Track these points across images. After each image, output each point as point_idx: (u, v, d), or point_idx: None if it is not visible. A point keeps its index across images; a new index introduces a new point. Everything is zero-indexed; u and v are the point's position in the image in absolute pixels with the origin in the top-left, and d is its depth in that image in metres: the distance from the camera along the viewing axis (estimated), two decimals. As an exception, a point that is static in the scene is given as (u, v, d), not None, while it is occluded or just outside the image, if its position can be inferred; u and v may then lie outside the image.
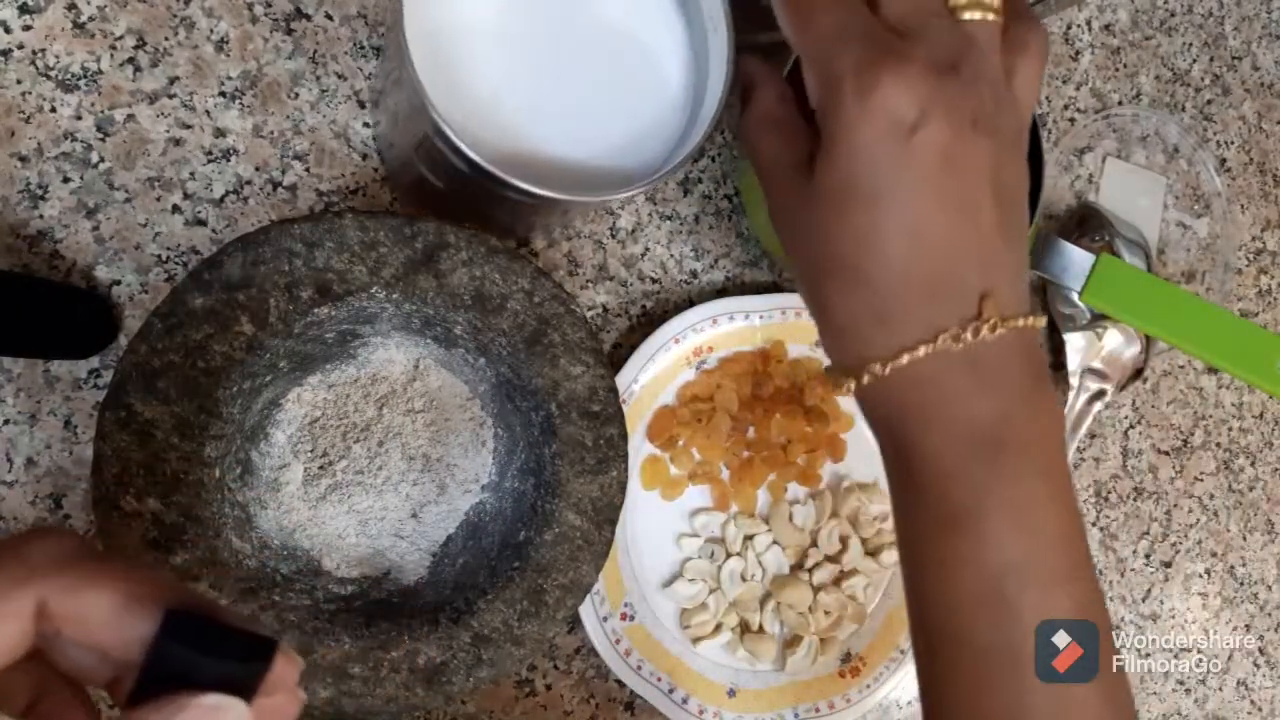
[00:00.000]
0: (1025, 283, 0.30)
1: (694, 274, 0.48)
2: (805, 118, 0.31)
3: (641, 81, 0.36)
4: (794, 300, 0.47)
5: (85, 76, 0.38)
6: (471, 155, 0.31)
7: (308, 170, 0.41)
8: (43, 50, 0.38)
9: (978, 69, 0.28)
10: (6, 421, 0.37)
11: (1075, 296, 0.47)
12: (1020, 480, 0.29)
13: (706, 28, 0.35)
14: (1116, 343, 0.54)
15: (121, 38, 0.39)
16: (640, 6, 0.36)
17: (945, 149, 0.27)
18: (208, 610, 0.20)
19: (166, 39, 0.39)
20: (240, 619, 0.21)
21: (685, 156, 0.34)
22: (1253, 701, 0.61)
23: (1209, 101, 0.61)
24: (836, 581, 0.49)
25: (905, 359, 0.28)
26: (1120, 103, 0.58)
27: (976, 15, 0.29)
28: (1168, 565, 0.59)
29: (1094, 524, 0.57)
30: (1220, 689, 0.60)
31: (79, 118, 0.38)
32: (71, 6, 0.38)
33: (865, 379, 0.29)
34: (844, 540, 0.49)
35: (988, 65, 0.28)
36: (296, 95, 0.41)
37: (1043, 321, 0.30)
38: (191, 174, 0.40)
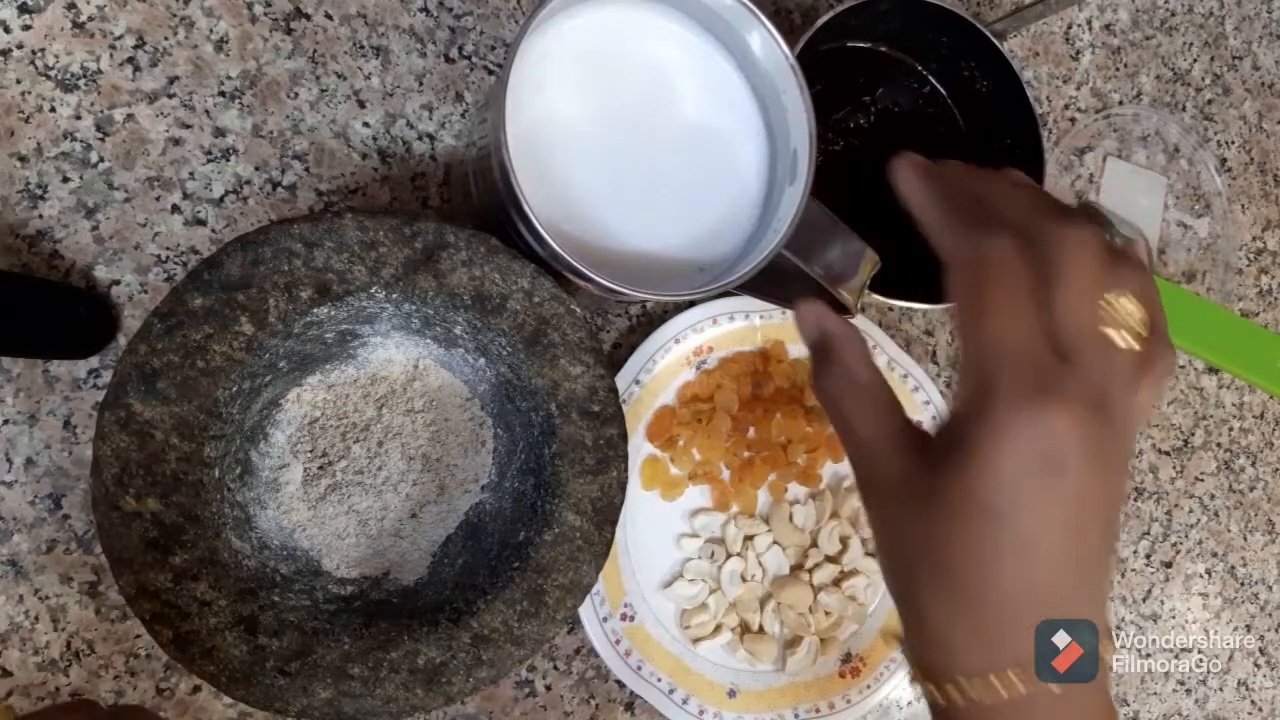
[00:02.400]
0: (1107, 603, 0.30)
1: (694, 274, 0.48)
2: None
3: (718, 181, 0.37)
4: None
5: (85, 76, 0.38)
6: (556, 247, 0.32)
7: (307, 170, 0.41)
8: (42, 50, 0.38)
9: (1119, 407, 0.28)
10: (6, 421, 0.37)
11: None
12: None
13: (790, 136, 0.36)
14: (1117, 343, 0.54)
15: (121, 37, 0.39)
16: (722, 112, 0.37)
17: (1084, 491, 0.27)
18: None
19: (166, 39, 0.39)
20: None
21: (762, 260, 0.34)
22: (1253, 702, 0.61)
23: (1209, 101, 0.61)
24: (837, 582, 0.49)
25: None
26: (1121, 102, 0.58)
27: (1126, 343, 0.29)
28: (1168, 565, 0.59)
29: (1094, 524, 0.57)
30: (1221, 689, 0.60)
31: (78, 117, 0.38)
32: (71, 6, 0.38)
33: (950, 690, 0.29)
34: (844, 540, 0.49)
35: (1124, 403, 0.29)
36: (296, 95, 0.41)
37: (1116, 647, 0.30)
38: (191, 174, 0.40)
